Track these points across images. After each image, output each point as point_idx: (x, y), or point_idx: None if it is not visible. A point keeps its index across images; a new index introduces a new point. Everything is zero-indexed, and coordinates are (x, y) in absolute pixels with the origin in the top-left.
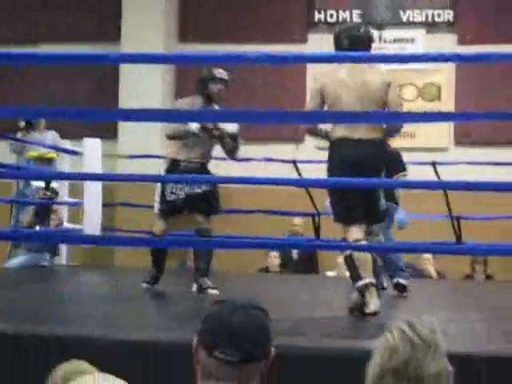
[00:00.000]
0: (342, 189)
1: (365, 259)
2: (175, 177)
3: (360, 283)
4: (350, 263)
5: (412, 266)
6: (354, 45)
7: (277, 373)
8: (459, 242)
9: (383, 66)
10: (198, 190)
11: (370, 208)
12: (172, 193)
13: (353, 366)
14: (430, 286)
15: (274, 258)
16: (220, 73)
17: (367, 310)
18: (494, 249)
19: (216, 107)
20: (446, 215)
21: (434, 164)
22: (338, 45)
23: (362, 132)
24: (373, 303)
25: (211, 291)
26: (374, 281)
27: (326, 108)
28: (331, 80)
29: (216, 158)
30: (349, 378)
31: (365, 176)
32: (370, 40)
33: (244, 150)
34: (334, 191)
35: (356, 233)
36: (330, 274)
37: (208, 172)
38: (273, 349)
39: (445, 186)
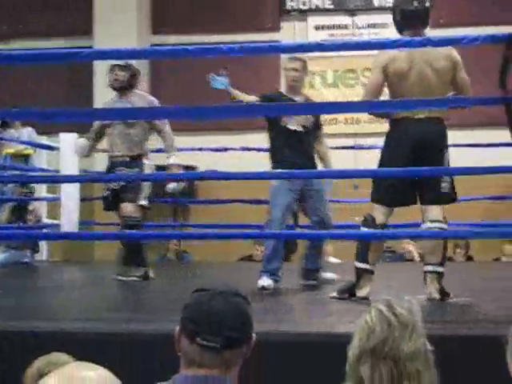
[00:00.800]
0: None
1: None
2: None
3: (362, 265)
4: (364, 243)
5: (391, 249)
6: (406, 19)
7: (258, 358)
8: None
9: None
10: (121, 184)
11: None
12: (105, 189)
13: (335, 351)
14: (411, 269)
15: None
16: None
17: (359, 294)
18: (478, 231)
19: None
20: None
21: None
22: (394, 19)
23: (424, 111)
24: (366, 288)
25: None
26: (373, 269)
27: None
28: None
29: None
30: (331, 363)
31: (427, 155)
32: (425, 14)
33: (219, 140)
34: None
35: (382, 216)
36: (333, 260)
37: (137, 165)
38: (254, 334)
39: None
